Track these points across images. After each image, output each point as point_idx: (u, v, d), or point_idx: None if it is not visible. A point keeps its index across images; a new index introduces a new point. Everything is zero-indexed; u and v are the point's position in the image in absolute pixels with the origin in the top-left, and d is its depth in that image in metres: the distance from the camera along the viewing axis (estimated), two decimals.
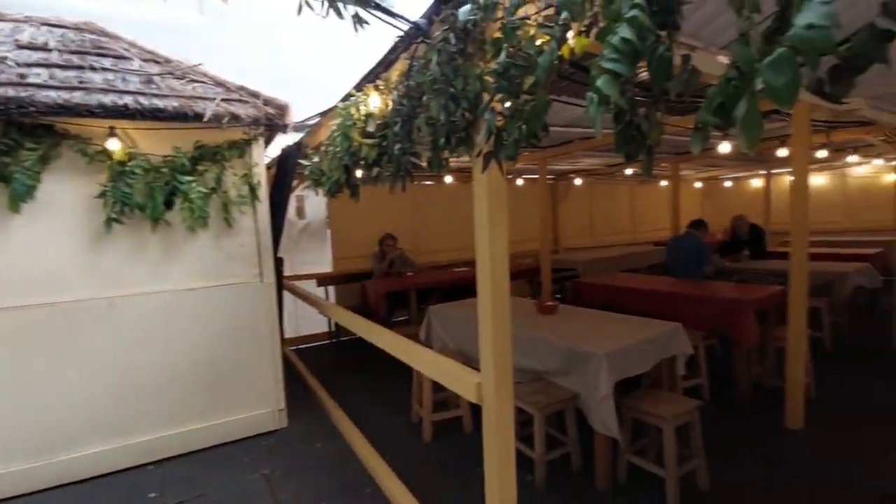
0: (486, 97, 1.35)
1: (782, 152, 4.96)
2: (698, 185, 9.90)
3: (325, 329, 6.04)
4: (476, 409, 1.88)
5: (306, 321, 6.09)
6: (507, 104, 1.28)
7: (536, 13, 1.27)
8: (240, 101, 3.19)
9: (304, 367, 4.77)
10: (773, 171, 9.27)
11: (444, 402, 3.44)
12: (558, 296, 6.30)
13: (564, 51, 1.17)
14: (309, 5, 1.41)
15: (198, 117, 2.91)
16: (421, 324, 3.93)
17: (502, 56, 1.16)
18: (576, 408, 2.67)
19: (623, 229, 10.06)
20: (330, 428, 3.49)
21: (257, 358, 3.37)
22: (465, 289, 4.98)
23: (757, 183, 10.31)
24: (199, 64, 3.34)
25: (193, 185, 2.98)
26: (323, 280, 5.96)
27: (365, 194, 2.95)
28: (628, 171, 7.33)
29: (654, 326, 2.85)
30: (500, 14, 1.31)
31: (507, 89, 1.18)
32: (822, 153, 4.88)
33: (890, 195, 8.19)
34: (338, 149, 2.60)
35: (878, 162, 7.48)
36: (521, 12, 1.25)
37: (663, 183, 9.75)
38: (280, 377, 3.48)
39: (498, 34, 1.26)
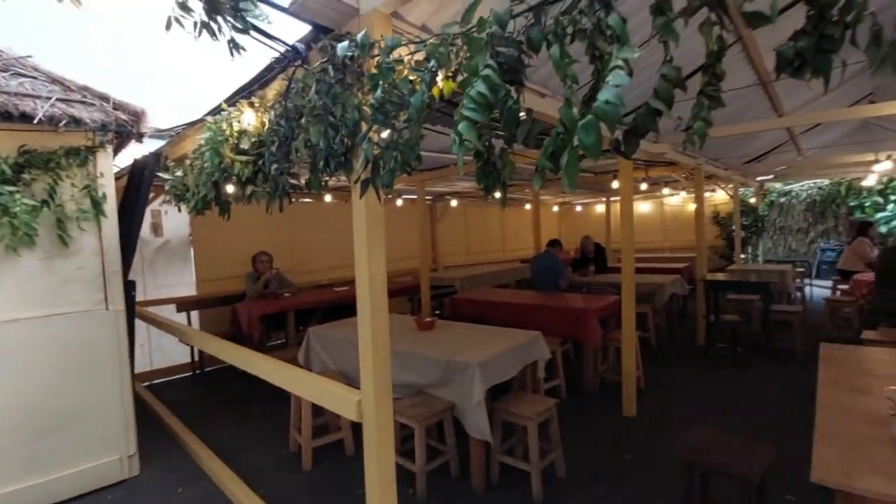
0: (364, 126, 1.45)
1: (615, 184, 5.94)
2: (556, 209, 11.20)
3: (186, 360, 5.42)
4: (358, 429, 1.91)
5: (162, 352, 5.40)
6: (384, 134, 1.39)
7: (409, 55, 1.41)
8: (83, 102, 2.81)
9: (160, 404, 4.22)
10: (612, 198, 10.96)
11: (325, 427, 3.35)
12: (437, 312, 6.56)
13: (434, 91, 1.33)
14: (179, 23, 1.36)
15: (25, 118, 2.49)
16: (300, 346, 3.79)
17: (378, 92, 1.27)
18: (453, 416, 2.84)
19: (495, 247, 10.91)
20: (193, 470, 3.15)
21: (101, 398, 2.92)
22: (346, 308, 4.93)
23: (601, 208, 12.04)
24: (29, 56, 2.86)
25: (17, 196, 2.52)
26: (184, 305, 5.36)
27: (235, 210, 2.80)
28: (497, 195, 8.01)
29: (519, 336, 3.18)
30: (376, 52, 1.43)
31: (382, 122, 1.29)
32: (643, 185, 5.96)
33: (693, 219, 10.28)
34: (206, 164, 2.45)
35: (684, 193, 9.36)
36: (395, 54, 1.38)
37: (527, 206, 10.84)
38: (130, 418, 3.05)
39: (374, 70, 1.38)
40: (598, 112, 0.84)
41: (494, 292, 5.68)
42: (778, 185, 9.71)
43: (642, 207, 11.28)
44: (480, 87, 1.02)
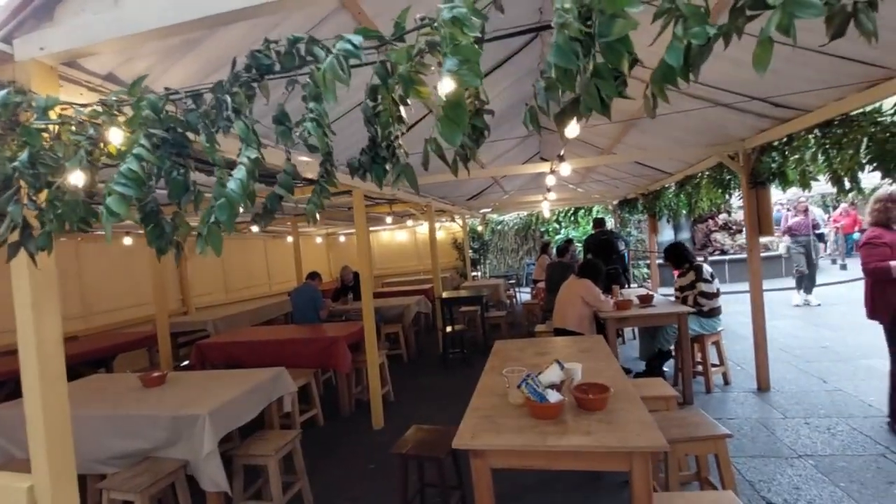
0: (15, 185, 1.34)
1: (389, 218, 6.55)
2: (319, 240, 11.40)
3: None
4: None
5: None
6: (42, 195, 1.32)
7: (65, 111, 1.39)
8: None
9: None
10: (372, 228, 11.90)
11: None
12: (184, 362, 5.85)
13: (111, 149, 1.35)
14: None
15: None
16: None
17: (25, 154, 1.22)
18: (187, 475, 2.65)
19: (260, 282, 10.34)
20: None
21: None
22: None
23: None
24: None
25: None
26: None
27: None
28: (255, 228, 7.72)
29: (259, 375, 3.20)
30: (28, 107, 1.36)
31: (32, 183, 1.24)
32: (389, 219, 6.75)
33: (440, 243, 12.03)
34: None
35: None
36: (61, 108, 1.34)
37: (290, 239, 10.70)
38: None
39: (26, 126, 1.31)
40: (228, 196, 1.08)
41: (246, 331, 5.45)
42: (495, 216, 12.31)
43: (399, 236, 12.56)
44: (132, 164, 1.14)
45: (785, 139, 3.41)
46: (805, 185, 3.24)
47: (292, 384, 3.41)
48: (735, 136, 4.04)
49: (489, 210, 11.00)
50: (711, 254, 12.39)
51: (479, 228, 11.97)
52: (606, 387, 1.99)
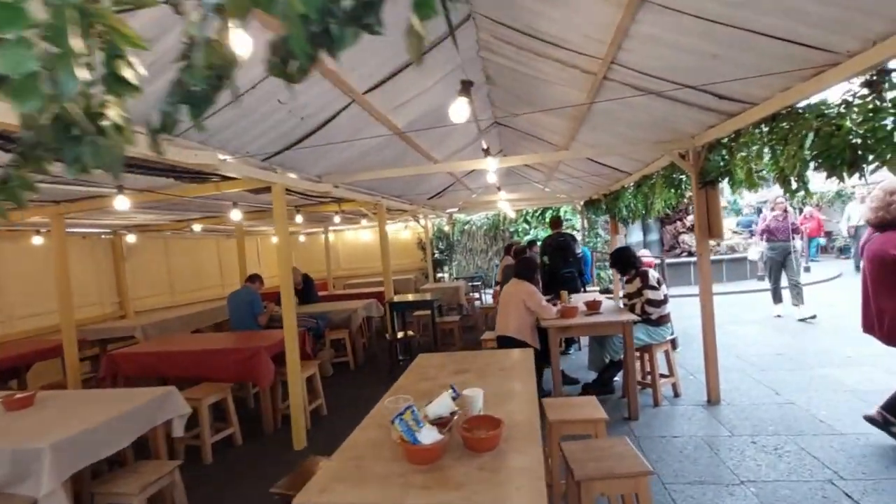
0: None
1: (337, 218, 6.11)
2: (275, 239, 10.83)
3: None
4: None
5: None
6: None
7: None
8: None
9: None
10: (339, 227, 11.45)
11: None
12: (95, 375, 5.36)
13: None
14: None
15: None
16: None
17: None
18: None
19: (212, 283, 9.78)
20: None
21: None
22: None
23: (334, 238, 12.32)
24: None
25: None
26: None
27: None
28: (197, 227, 7.21)
29: (142, 396, 2.79)
30: None
31: None
32: (337, 218, 6.35)
33: (405, 244, 11.65)
34: None
35: (402, 224, 10.54)
36: None
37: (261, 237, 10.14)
38: None
39: None
40: None
41: (168, 340, 4.99)
42: (463, 216, 11.98)
43: (364, 235, 12.14)
44: None
45: (732, 135, 3.16)
46: (752, 185, 2.98)
47: (184, 406, 3.00)
48: (684, 132, 3.78)
49: (455, 210, 10.67)
50: (679, 255, 12.32)
51: (446, 228, 11.62)
52: (498, 422, 1.66)
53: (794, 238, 6.65)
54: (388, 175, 4.70)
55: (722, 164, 3.27)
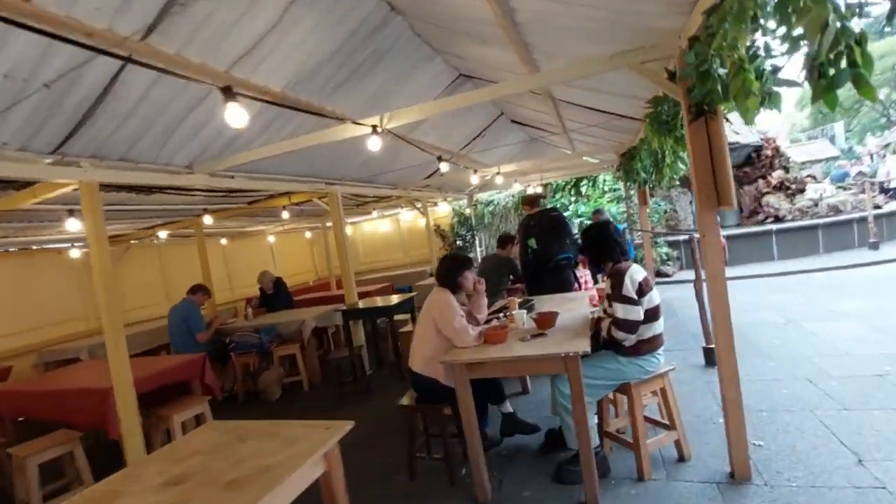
0: None
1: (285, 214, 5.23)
2: (272, 238, 10.07)
3: None
4: None
5: None
6: None
7: None
8: None
9: None
10: (355, 220, 10.67)
11: None
12: None
13: None
14: None
15: None
16: None
17: None
18: None
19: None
20: None
21: None
22: None
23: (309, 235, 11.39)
24: None
25: None
26: None
27: None
28: (163, 234, 6.68)
29: None
30: None
31: None
32: (285, 214, 5.40)
33: (419, 234, 10.50)
34: None
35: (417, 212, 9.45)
36: None
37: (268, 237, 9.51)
38: None
39: None
40: None
41: (45, 376, 4.40)
42: (485, 196, 10.53)
43: (383, 226, 11.31)
44: None
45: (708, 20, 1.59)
46: (752, 105, 1.44)
47: None
48: (659, 29, 2.22)
49: (474, 188, 9.29)
50: (763, 222, 9.84)
51: (467, 211, 10.29)
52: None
53: None
54: (273, 152, 3.52)
55: (703, 67, 1.71)
